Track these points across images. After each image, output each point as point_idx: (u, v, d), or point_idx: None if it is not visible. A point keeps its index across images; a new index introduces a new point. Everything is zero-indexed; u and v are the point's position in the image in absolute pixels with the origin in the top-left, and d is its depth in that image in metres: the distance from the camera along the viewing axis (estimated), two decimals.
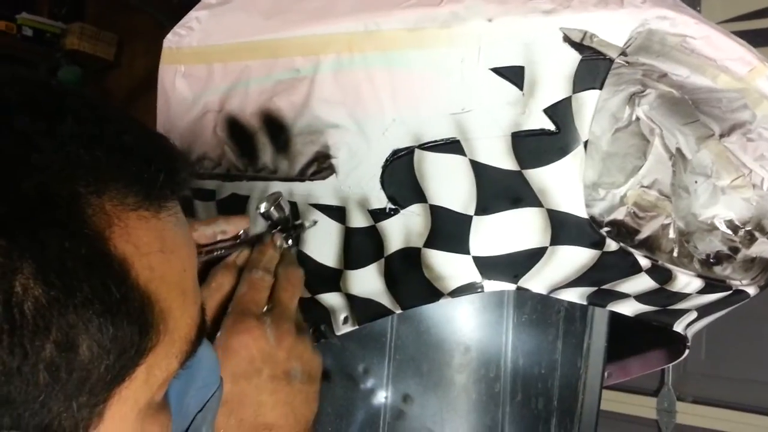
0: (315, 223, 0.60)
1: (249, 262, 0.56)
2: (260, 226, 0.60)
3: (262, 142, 0.62)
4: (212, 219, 0.57)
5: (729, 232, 0.66)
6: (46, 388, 0.28)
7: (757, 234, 0.65)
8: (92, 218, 0.29)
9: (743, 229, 0.66)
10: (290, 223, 0.60)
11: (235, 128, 0.63)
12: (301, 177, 0.60)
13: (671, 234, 0.62)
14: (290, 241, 0.59)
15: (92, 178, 0.30)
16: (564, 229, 0.53)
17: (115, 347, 0.29)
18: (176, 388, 0.38)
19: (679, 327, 0.67)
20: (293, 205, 0.61)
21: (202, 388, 0.43)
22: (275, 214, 0.58)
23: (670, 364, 0.82)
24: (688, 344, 0.72)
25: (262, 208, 0.57)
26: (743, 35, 0.55)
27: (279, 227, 0.59)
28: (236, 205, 0.64)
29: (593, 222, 0.53)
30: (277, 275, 0.56)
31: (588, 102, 0.49)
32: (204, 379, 0.43)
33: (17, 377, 0.27)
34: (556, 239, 0.53)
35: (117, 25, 2.52)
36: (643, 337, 0.80)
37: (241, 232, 0.57)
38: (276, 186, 0.61)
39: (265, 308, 0.54)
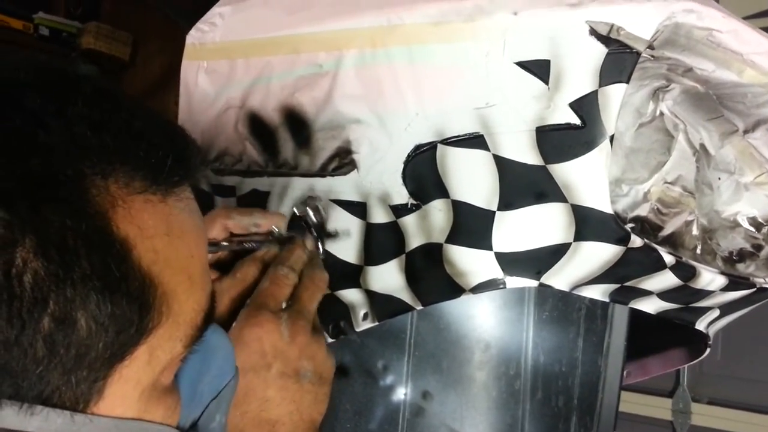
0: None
1: (276, 259, 0.57)
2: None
3: (284, 137, 0.62)
4: (250, 210, 0.58)
5: (752, 229, 0.65)
6: (44, 361, 0.29)
7: None
8: (96, 198, 0.30)
9: (766, 227, 0.65)
10: (324, 228, 0.60)
11: (257, 124, 0.63)
12: (323, 173, 0.60)
13: (695, 231, 0.62)
14: (321, 247, 0.60)
15: (98, 160, 0.30)
16: (588, 224, 0.52)
17: (114, 325, 0.30)
18: (189, 376, 0.39)
19: (701, 325, 0.67)
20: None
21: (216, 376, 0.43)
22: (312, 217, 0.59)
23: (687, 365, 0.81)
24: (710, 343, 0.71)
25: (301, 209, 0.58)
26: None
27: (312, 231, 0.59)
28: (256, 202, 0.64)
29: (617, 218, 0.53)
30: (302, 276, 0.57)
31: (614, 96, 0.48)
32: (219, 367, 0.43)
33: (16, 347, 0.28)
34: (580, 235, 0.53)
35: (131, 24, 2.52)
36: (661, 336, 0.79)
37: (275, 229, 0.58)
38: (297, 182, 0.61)
39: (283, 305, 0.54)
